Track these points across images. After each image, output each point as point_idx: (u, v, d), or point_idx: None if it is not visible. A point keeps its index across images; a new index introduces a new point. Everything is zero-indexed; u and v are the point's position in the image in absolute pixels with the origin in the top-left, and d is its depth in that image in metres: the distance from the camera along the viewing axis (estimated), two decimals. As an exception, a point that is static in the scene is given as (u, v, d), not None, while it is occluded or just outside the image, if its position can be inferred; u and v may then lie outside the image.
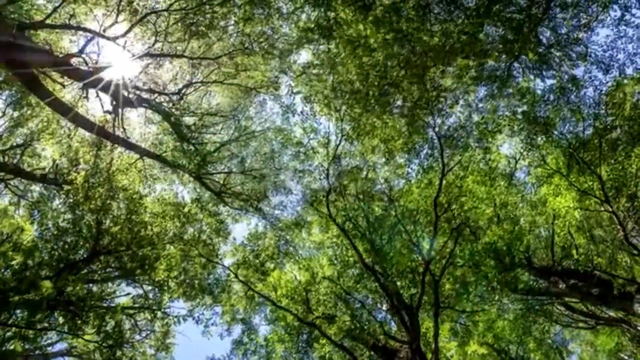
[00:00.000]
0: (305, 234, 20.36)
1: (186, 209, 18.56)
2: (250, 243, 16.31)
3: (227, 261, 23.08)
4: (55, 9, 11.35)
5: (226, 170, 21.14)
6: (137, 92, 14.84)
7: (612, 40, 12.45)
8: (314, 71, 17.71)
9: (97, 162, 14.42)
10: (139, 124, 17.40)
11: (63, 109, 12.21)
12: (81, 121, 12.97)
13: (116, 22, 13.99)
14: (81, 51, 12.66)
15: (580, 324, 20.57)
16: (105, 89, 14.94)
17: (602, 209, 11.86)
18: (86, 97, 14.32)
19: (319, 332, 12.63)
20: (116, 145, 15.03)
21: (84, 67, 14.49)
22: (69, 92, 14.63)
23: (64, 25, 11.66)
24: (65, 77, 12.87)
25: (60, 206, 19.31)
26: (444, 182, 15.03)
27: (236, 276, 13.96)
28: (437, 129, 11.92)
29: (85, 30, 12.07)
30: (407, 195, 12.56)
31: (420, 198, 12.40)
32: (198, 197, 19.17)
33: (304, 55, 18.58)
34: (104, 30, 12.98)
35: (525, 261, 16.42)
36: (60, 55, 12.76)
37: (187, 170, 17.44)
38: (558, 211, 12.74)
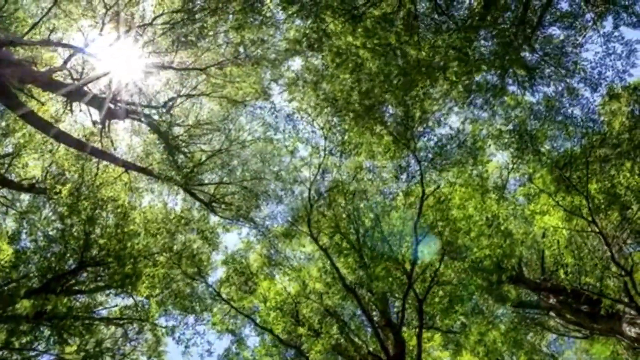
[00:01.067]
0: (296, 244, 20.20)
1: (173, 221, 18.46)
2: (235, 261, 16.13)
3: (220, 269, 23.03)
4: (33, 26, 11.21)
5: (217, 179, 20.99)
6: (123, 105, 14.70)
7: (601, 57, 12.29)
8: (307, 78, 17.59)
9: (82, 174, 14.27)
10: (127, 134, 17.29)
11: (43, 125, 12.07)
12: (63, 137, 12.83)
13: (101, 34, 13.86)
14: (64, 65, 12.53)
15: (575, 333, 20.40)
16: (91, 101, 14.82)
17: (590, 229, 11.71)
18: (70, 111, 14.20)
19: (300, 353, 12.48)
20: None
21: (69, 81, 14.39)
22: (53, 104, 14.50)
23: (43, 42, 11.52)
24: (49, 92, 12.74)
25: (50, 214, 19.18)
26: (432, 199, 14.91)
27: (219, 294, 13.81)
28: (417, 152, 11.75)
29: (65, 46, 11.93)
30: (389, 218, 12.37)
31: (402, 221, 12.25)
32: (184, 210, 19.05)
33: (297, 62, 18.40)
34: (87, 45, 12.86)
35: (515, 276, 16.27)
36: (43, 70, 12.64)
37: (175, 182, 17.29)
38: (546, 229, 12.59)
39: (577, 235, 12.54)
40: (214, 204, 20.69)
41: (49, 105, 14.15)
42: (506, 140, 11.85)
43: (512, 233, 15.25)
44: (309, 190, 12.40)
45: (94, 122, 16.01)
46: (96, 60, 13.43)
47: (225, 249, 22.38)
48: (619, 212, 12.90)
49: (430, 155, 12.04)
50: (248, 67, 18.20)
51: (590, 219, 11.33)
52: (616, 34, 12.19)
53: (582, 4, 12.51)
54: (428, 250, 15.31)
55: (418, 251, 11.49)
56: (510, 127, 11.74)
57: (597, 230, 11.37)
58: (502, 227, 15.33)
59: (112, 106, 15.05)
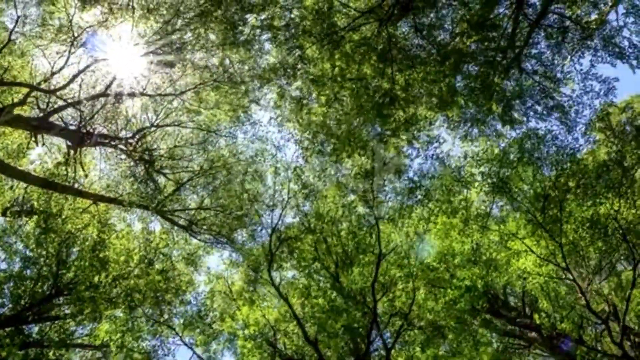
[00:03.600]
0: (276, 268, 19.81)
1: (151, 245, 18.18)
2: (202, 305, 15.76)
3: (202, 290, 22.78)
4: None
5: (197, 198, 20.64)
6: (91, 136, 14.35)
7: (578, 95, 11.88)
8: (283, 106, 17.26)
9: (49, 206, 13.93)
10: (100, 160, 16.92)
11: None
12: (22, 176, 12.49)
13: (65, 65, 13.51)
14: (25, 99, 12.17)
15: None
16: (59, 131, 14.49)
17: (564, 276, 11.32)
18: (36, 143, 13.84)
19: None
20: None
21: (38, 110, 14.03)
22: (18, 137, 14.14)
23: (-5, 82, 11.16)
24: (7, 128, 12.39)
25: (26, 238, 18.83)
26: (410, 227, 14.50)
27: (181, 339, 13.45)
28: (375, 208, 11.35)
29: (19, 85, 11.56)
30: (349, 274, 11.92)
31: (361, 278, 11.83)
32: (163, 234, 18.69)
33: (274, 88, 17.99)
34: (46, 81, 12.53)
35: (495, 309, 15.91)
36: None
37: (150, 210, 16.96)
38: (522, 272, 12.20)
39: (550, 281, 12.12)
40: (193, 227, 20.34)
41: (14, 137, 13.80)
42: (478, 183, 11.45)
43: (495, 261, 14.83)
44: (270, 236, 12.01)
45: (69, 147, 15.67)
46: (61, 90, 13.04)
47: (208, 269, 22.11)
48: (602, 241, 12.48)
49: (388, 209, 11.64)
50: (226, 89, 17.80)
51: (564, 265, 10.93)
52: (594, 71, 11.78)
53: (559, 39, 12.09)
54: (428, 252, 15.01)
55: (378, 308, 11.08)
56: (484, 169, 11.32)
57: (571, 278, 10.98)
58: (485, 257, 14.93)
59: (82, 134, 14.70)
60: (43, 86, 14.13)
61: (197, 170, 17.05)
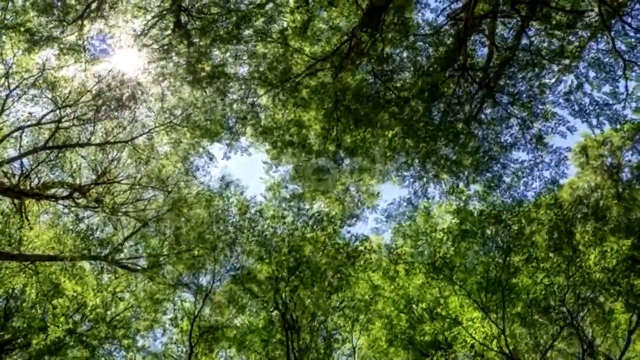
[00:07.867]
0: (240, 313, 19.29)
1: (108, 290, 17.74)
2: None
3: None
4: None
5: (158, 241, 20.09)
6: (30, 194, 13.74)
7: (529, 166, 11.22)
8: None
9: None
10: (46, 211, 16.28)
11: None
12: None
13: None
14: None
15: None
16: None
17: (507, 363, 10.70)
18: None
19: None
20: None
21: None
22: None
23: None
24: None
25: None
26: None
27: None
28: (287, 312, 10.71)
29: None
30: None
31: None
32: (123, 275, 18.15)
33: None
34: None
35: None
36: None
37: (99, 260, 16.42)
38: (468, 350, 11.61)
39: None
40: (154, 268, 19.77)
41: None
42: (417, 264, 10.84)
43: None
44: (191, 326, 11.39)
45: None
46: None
47: (174, 305, 21.59)
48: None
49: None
50: (182, 132, 17.14)
51: (507, 352, 10.32)
52: (545, 139, 11.14)
53: (510, 105, 11.47)
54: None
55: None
56: (419, 252, 10.70)
57: (515, 366, 10.38)
58: (445, 312, 14.37)
59: (20, 191, 14.09)
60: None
61: (162, 205, 16.41)
